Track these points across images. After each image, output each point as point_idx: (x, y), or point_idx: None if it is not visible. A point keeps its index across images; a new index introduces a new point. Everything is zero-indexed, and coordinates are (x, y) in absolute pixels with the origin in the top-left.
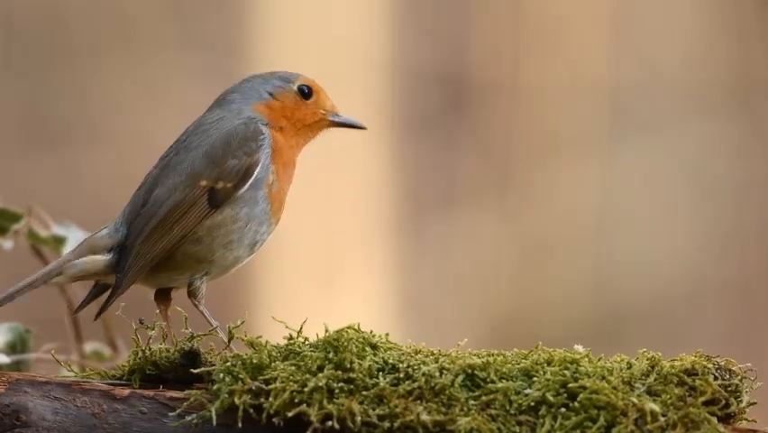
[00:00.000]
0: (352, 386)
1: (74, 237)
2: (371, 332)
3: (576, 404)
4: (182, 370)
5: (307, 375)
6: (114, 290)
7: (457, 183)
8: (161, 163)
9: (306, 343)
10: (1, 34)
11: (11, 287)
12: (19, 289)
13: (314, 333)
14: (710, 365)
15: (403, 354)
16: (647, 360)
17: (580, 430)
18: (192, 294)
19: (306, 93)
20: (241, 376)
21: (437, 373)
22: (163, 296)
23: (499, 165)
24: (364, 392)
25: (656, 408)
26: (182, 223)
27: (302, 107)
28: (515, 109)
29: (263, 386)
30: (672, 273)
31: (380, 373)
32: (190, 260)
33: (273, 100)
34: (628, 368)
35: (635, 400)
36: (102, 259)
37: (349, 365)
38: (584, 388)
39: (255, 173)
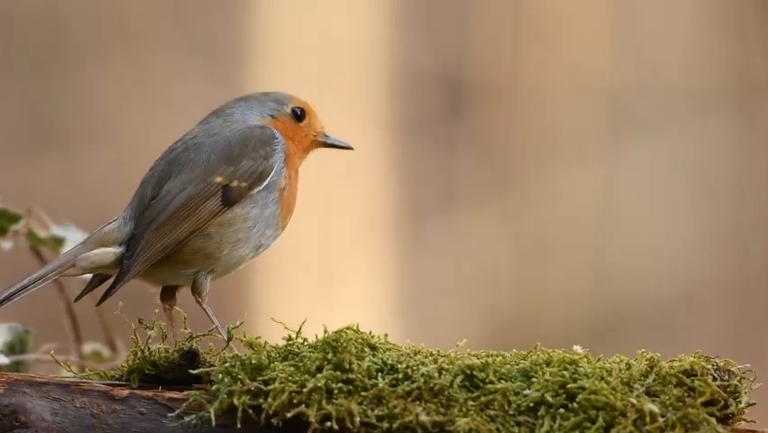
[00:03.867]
0: (350, 387)
1: (73, 238)
2: (370, 332)
3: (575, 405)
4: (181, 370)
5: (306, 376)
6: (121, 277)
7: (457, 184)
8: (167, 158)
9: (305, 343)
10: (1, 34)
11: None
12: (33, 280)
13: (313, 333)
14: (709, 366)
15: (402, 354)
16: (646, 360)
17: (579, 431)
18: (196, 291)
19: (299, 115)
20: (240, 377)
21: (436, 374)
22: (168, 295)
23: (499, 166)
24: (363, 393)
25: (655, 408)
26: (194, 217)
27: (297, 130)
28: (514, 110)
29: (262, 387)
30: (671, 274)
31: (379, 374)
32: (198, 255)
33: (274, 120)
34: (627, 369)
35: (633, 400)
36: (113, 251)
37: (348, 366)
38: (583, 389)
39: (270, 175)
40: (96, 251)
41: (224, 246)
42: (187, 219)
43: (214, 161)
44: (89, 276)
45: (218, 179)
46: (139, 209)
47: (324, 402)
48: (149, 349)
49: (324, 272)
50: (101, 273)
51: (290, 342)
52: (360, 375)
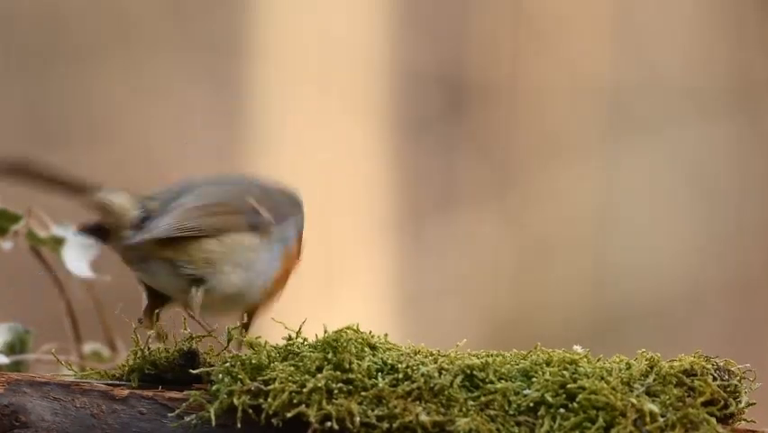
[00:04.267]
0: (350, 387)
1: (73, 239)
2: (370, 332)
3: (575, 405)
4: (181, 370)
5: (306, 376)
6: (149, 231)
7: (457, 184)
8: (179, 189)
9: (306, 343)
10: (1, 34)
11: (10, 285)
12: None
13: (313, 333)
14: (709, 366)
15: (402, 354)
16: (646, 360)
17: (579, 431)
18: (188, 305)
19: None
20: (240, 377)
21: (436, 374)
22: (150, 313)
23: (499, 166)
24: (363, 393)
25: (655, 408)
26: (224, 217)
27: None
28: (514, 110)
29: (262, 387)
30: (671, 274)
31: (379, 374)
32: (201, 256)
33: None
34: (627, 369)
35: (634, 400)
36: (134, 203)
37: (348, 366)
38: (583, 388)
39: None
40: (120, 194)
41: (227, 262)
42: (217, 215)
43: (248, 186)
44: (90, 276)
45: (251, 201)
46: (166, 196)
47: (324, 402)
48: (149, 349)
49: (324, 272)
50: (99, 237)
51: (290, 342)
52: (360, 375)
